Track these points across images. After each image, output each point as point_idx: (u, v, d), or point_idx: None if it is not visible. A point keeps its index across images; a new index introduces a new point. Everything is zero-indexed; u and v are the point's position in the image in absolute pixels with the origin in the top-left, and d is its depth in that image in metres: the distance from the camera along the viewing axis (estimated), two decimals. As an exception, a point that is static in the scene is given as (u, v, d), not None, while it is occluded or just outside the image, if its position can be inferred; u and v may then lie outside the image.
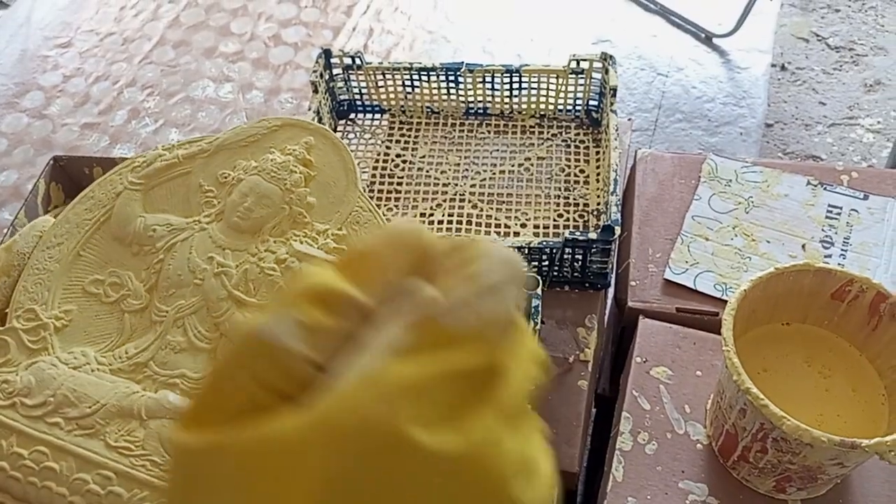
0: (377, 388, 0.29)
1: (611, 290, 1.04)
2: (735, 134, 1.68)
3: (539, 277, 0.83)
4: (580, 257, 0.92)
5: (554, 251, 0.91)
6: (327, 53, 1.07)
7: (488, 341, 0.32)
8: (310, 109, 1.03)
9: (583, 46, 2.01)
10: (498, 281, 0.32)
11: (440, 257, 0.33)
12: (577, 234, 0.89)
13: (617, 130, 0.98)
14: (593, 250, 0.91)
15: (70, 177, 1.31)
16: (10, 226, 1.18)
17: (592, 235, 0.88)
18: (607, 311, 1.19)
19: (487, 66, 1.07)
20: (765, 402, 0.66)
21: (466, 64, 1.07)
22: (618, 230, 0.88)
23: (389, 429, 0.28)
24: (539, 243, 0.89)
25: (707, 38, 1.93)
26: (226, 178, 0.61)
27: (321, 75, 1.06)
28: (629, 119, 1.18)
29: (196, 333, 0.51)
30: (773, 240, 0.97)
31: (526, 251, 0.91)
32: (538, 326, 0.84)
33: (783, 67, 1.87)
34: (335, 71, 1.09)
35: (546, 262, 0.93)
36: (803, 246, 0.96)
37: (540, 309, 0.84)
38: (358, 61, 1.08)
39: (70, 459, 0.44)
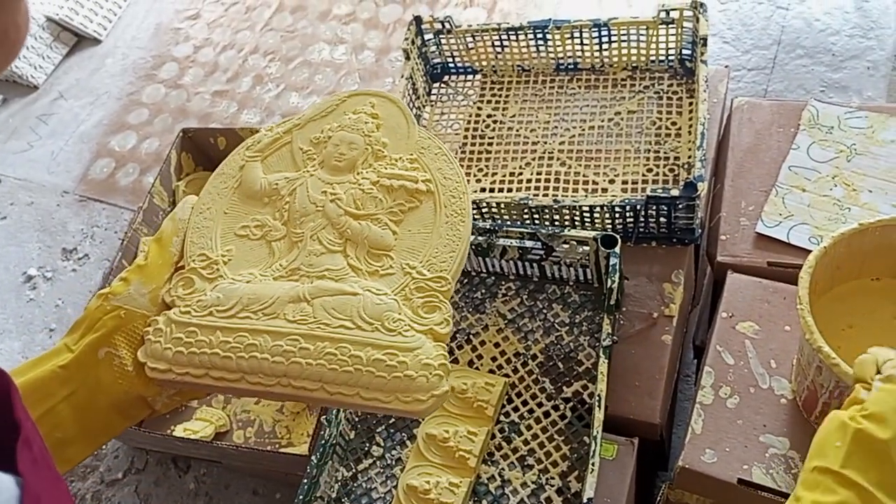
0: None
1: (704, 244, 1.03)
2: (861, 69, 1.56)
3: (617, 235, 0.85)
4: (665, 214, 0.92)
5: (637, 208, 0.91)
6: (418, 20, 1.10)
7: None
8: (402, 77, 1.08)
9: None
10: None
11: None
12: (660, 191, 0.89)
13: (707, 81, 0.96)
14: (678, 206, 0.91)
15: (198, 146, 1.44)
16: (148, 192, 1.32)
17: (675, 192, 0.88)
18: (707, 265, 1.18)
19: (575, 21, 1.07)
20: (836, 361, 0.66)
21: (553, 21, 1.07)
22: (701, 186, 0.87)
23: None
24: (621, 201, 0.91)
25: (833, -35, 1.79)
26: (318, 139, 0.77)
27: (412, 42, 1.10)
28: (726, 66, 1.14)
29: (328, 241, 0.69)
30: (875, 189, 0.93)
31: (608, 209, 0.93)
32: (619, 283, 0.86)
33: (921, -9, 1.71)
34: (427, 36, 1.13)
35: (631, 219, 0.94)
36: (909, 195, 0.92)
37: (619, 266, 0.85)
38: (448, 25, 1.11)
39: (265, 336, 0.62)
